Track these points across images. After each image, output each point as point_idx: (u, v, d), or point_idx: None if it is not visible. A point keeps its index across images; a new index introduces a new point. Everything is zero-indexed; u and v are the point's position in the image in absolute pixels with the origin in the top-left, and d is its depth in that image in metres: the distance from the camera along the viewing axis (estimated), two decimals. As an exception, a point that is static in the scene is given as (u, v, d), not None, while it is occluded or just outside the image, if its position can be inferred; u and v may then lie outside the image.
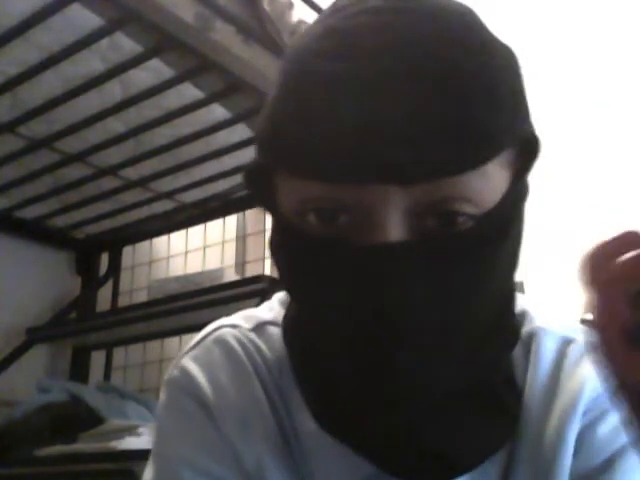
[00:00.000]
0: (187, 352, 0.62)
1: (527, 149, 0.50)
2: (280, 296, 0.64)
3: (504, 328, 0.53)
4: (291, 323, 0.58)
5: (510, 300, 0.54)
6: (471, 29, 0.48)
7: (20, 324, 2.03)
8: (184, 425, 0.58)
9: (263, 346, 0.60)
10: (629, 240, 0.37)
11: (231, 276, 1.91)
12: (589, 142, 1.88)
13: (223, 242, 2.27)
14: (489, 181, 0.46)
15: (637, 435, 0.38)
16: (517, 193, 0.50)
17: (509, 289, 0.54)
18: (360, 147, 0.43)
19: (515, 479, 0.53)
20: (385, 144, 0.43)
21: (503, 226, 0.48)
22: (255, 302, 0.70)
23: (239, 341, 0.60)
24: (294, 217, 0.48)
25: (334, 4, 0.51)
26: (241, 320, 0.62)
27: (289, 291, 0.54)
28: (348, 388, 0.49)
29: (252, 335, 0.60)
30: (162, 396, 0.62)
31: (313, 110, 0.45)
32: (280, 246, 0.51)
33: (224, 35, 1.35)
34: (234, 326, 0.61)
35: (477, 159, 0.44)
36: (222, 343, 0.60)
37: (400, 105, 0.43)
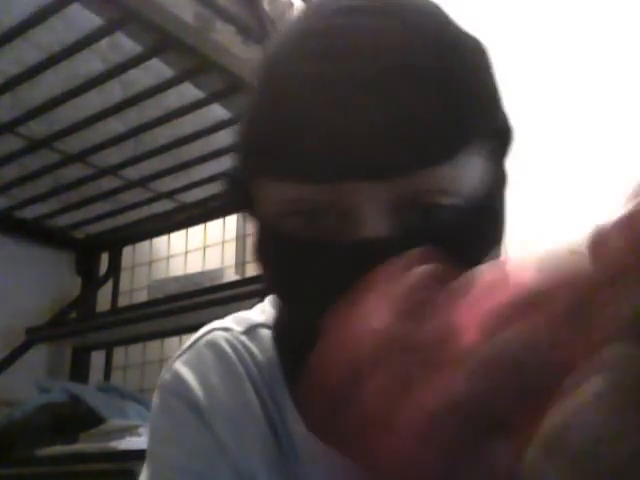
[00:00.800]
0: (179, 356, 0.61)
1: (502, 138, 0.51)
2: (272, 298, 0.63)
3: None
4: (280, 325, 0.58)
5: None
6: (442, 25, 0.49)
7: (20, 324, 2.03)
8: (177, 429, 0.58)
9: (255, 349, 0.59)
10: None
11: (231, 276, 1.91)
12: (584, 141, 1.88)
13: (223, 242, 2.27)
14: (465, 171, 0.47)
15: None
16: (495, 182, 0.51)
17: None
18: (337, 147, 0.44)
19: None
20: (361, 142, 0.44)
21: (482, 214, 0.49)
22: (255, 302, 0.69)
23: (231, 344, 0.59)
24: (276, 221, 0.49)
25: (308, 7, 0.51)
26: (233, 323, 0.62)
27: (277, 294, 0.54)
28: None
29: (244, 338, 0.60)
30: (155, 400, 0.61)
31: (288, 113, 0.46)
32: (264, 251, 0.52)
33: (224, 35, 1.36)
34: (226, 329, 0.61)
35: (449, 150, 0.45)
36: (214, 346, 0.59)
37: (373, 104, 0.44)
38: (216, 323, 0.62)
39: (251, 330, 0.61)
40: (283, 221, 0.48)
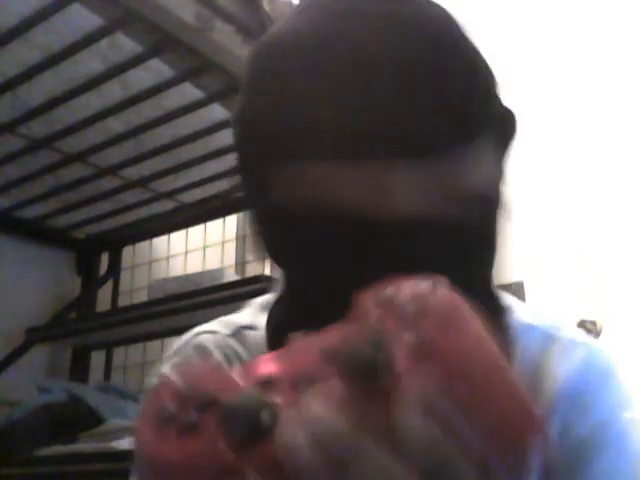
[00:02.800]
0: (166, 360, 0.61)
1: (506, 128, 0.53)
2: (259, 301, 0.64)
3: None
4: (285, 319, 0.57)
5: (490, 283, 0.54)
6: (451, 22, 0.51)
7: (20, 324, 2.03)
8: None
9: (242, 351, 0.59)
10: None
11: (231, 276, 1.91)
12: (591, 141, 1.88)
13: (223, 242, 2.27)
14: (479, 163, 0.49)
15: None
16: (501, 175, 0.53)
17: (490, 274, 0.53)
18: (372, 125, 0.44)
19: None
20: (393, 122, 0.45)
21: (491, 207, 0.50)
22: (255, 302, 0.70)
23: (218, 347, 0.59)
24: (301, 202, 0.47)
25: None
26: (219, 326, 0.62)
27: (293, 280, 0.53)
28: None
29: (230, 341, 0.60)
30: (143, 405, 0.61)
31: (320, 93, 0.46)
32: (287, 234, 0.50)
33: (224, 35, 1.35)
34: (212, 332, 0.61)
35: (470, 131, 0.47)
36: (201, 349, 0.60)
37: (402, 87, 0.46)
38: (202, 326, 0.62)
39: (237, 332, 0.61)
40: (310, 202, 0.47)
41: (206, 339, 0.61)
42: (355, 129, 0.44)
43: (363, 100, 0.45)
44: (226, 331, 0.62)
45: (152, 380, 0.60)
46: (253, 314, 0.62)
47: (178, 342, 0.63)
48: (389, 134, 0.44)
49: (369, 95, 0.45)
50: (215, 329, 0.62)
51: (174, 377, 0.42)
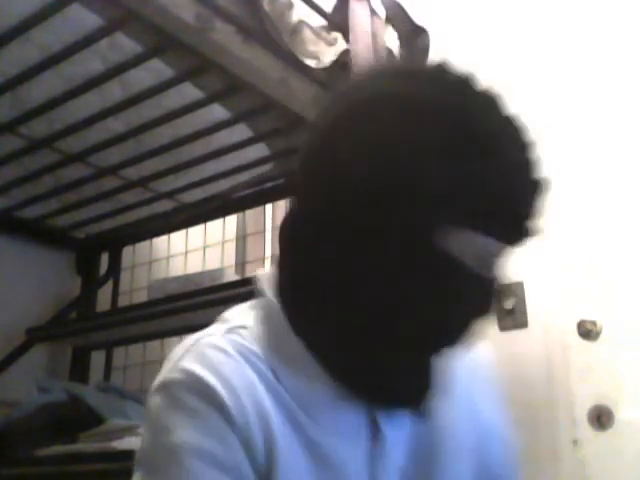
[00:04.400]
0: (180, 359, 0.64)
1: None
2: (248, 304, 0.71)
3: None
4: (321, 316, 0.65)
5: None
6: None
7: (20, 324, 2.03)
8: (195, 420, 0.59)
9: (245, 343, 0.65)
10: None
11: (231, 276, 1.91)
12: (582, 147, 1.88)
13: (223, 242, 2.27)
14: None
15: None
16: None
17: None
18: (528, 218, 0.63)
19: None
20: (529, 216, 0.63)
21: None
22: (255, 302, 0.72)
23: (225, 340, 0.65)
24: (466, 261, 0.61)
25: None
26: (214, 330, 0.67)
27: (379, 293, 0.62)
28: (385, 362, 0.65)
29: (233, 335, 0.66)
30: (158, 400, 0.62)
31: (502, 192, 0.60)
32: (449, 281, 0.62)
33: (224, 35, 1.35)
34: (212, 334, 0.66)
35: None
36: (213, 345, 0.64)
37: (540, 189, 0.65)
38: (200, 333, 0.67)
39: (233, 330, 0.67)
40: (472, 262, 0.61)
41: (211, 338, 0.65)
42: (530, 222, 0.63)
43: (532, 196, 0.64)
44: (223, 330, 0.67)
45: (173, 375, 0.62)
46: (245, 313, 0.69)
47: (183, 346, 0.66)
48: (535, 220, 0.64)
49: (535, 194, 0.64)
50: (213, 332, 0.67)
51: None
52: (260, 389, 0.62)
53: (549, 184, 0.64)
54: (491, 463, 0.75)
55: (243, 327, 0.67)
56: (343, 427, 0.65)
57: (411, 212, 0.59)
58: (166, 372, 0.64)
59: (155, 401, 0.62)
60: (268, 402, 0.62)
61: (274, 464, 0.60)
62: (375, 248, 0.60)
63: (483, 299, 0.63)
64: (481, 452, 0.74)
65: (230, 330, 0.67)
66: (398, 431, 0.67)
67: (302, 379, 0.64)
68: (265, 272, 0.72)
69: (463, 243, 0.60)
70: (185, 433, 0.58)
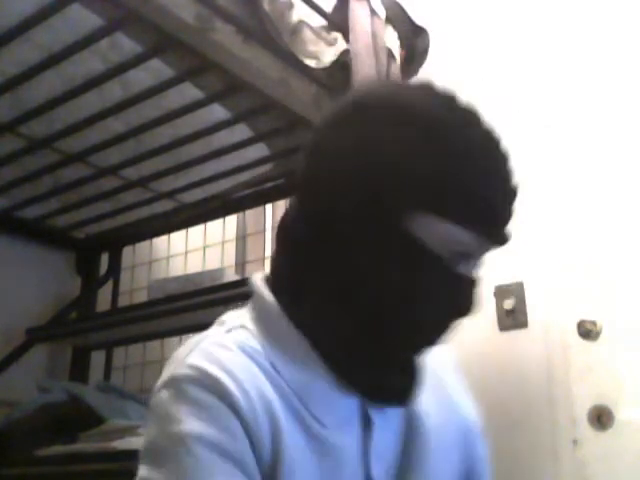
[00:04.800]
0: (186, 358, 0.66)
1: None
2: (244, 308, 0.74)
3: None
4: (323, 314, 0.69)
5: None
6: None
7: (20, 324, 2.03)
8: (203, 412, 0.61)
9: (245, 340, 0.69)
10: None
11: (231, 276, 1.91)
12: (581, 147, 1.88)
13: (223, 242, 2.27)
14: None
15: None
16: None
17: None
18: (501, 211, 0.67)
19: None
20: (503, 211, 0.67)
21: None
22: (255, 302, 0.73)
23: (227, 339, 0.68)
24: (435, 249, 0.65)
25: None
26: (215, 331, 0.71)
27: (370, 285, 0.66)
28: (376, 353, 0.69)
29: (233, 334, 0.69)
30: (165, 394, 0.64)
31: (469, 176, 0.64)
32: (403, 262, 0.65)
33: (224, 35, 1.35)
34: (213, 335, 0.70)
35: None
36: (216, 343, 0.67)
37: (510, 180, 0.67)
38: (200, 335, 0.70)
39: (233, 330, 0.70)
40: (437, 250, 0.65)
41: (212, 337, 0.69)
42: (498, 215, 0.67)
43: (499, 188, 0.66)
44: (223, 330, 0.70)
45: (181, 370, 0.64)
46: (242, 316, 0.72)
47: (189, 343, 0.69)
48: (505, 217, 0.67)
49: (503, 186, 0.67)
50: (213, 332, 0.70)
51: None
52: (263, 381, 0.65)
53: (516, 182, 0.68)
54: (475, 455, 0.80)
55: (242, 327, 0.70)
56: (338, 416, 0.68)
57: (387, 197, 0.64)
58: (172, 369, 0.66)
59: (162, 396, 0.64)
60: (271, 393, 0.65)
61: (280, 453, 0.63)
62: (359, 242, 0.65)
63: (461, 299, 0.67)
64: (465, 444, 0.79)
65: (230, 330, 0.70)
66: (387, 421, 0.72)
67: (301, 372, 0.68)
68: (259, 274, 0.75)
69: (429, 227, 0.64)
70: (193, 423, 0.60)
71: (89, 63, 1.41)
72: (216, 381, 0.62)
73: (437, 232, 0.64)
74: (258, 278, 0.74)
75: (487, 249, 0.68)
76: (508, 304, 1.85)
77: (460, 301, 0.67)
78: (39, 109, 1.55)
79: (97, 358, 2.20)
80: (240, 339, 0.68)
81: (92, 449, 1.53)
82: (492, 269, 1.82)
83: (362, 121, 0.66)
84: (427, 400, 0.75)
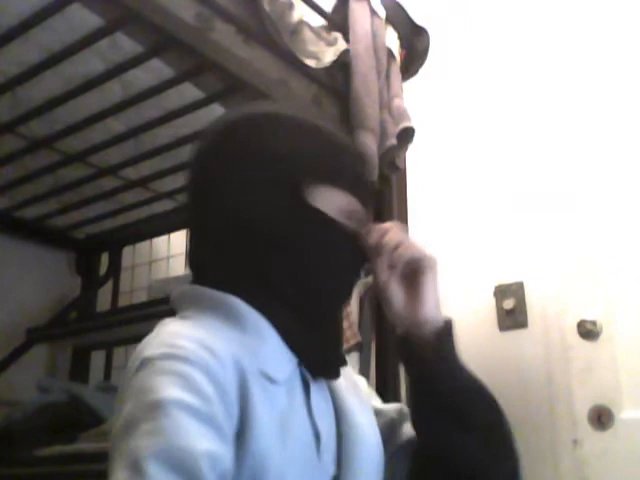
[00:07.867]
0: (153, 340, 0.71)
1: None
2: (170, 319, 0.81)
3: None
4: (277, 298, 0.78)
5: None
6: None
7: (20, 324, 2.03)
8: (179, 380, 0.62)
9: (199, 322, 0.76)
10: None
11: (231, 276, 1.90)
12: (581, 147, 1.88)
13: (223, 242, 2.26)
14: None
15: None
16: None
17: None
18: (364, 182, 0.89)
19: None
20: (366, 179, 0.91)
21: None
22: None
23: (184, 322, 0.78)
24: (331, 213, 0.80)
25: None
26: (166, 323, 0.80)
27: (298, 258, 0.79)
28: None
29: (186, 320, 0.79)
30: (140, 373, 0.65)
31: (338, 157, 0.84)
32: (311, 230, 0.80)
33: (224, 35, 1.35)
34: (168, 322, 0.79)
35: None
36: (177, 325, 0.77)
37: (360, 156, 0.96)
38: (155, 328, 0.76)
39: (183, 317, 0.81)
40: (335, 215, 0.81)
41: (176, 322, 0.78)
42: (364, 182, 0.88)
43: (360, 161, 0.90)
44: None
45: (160, 350, 0.66)
46: (180, 323, 0.79)
47: (152, 334, 0.73)
48: (368, 187, 0.88)
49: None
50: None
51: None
52: (231, 348, 0.69)
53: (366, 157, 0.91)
54: (387, 416, 0.90)
55: (187, 317, 0.79)
56: (286, 375, 0.75)
57: (290, 179, 0.79)
58: (141, 354, 0.67)
59: (137, 375, 0.65)
60: (241, 358, 0.69)
61: (249, 418, 0.66)
62: (275, 219, 0.78)
63: (358, 250, 0.82)
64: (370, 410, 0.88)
65: (183, 317, 0.79)
66: (319, 390, 0.80)
67: (255, 339, 0.75)
68: (181, 288, 0.87)
69: (323, 195, 0.80)
70: (169, 390, 0.61)
71: (89, 63, 1.41)
72: (187, 350, 0.65)
73: (328, 196, 0.80)
74: (179, 290, 0.87)
75: (366, 208, 0.84)
76: (508, 304, 1.85)
77: (358, 252, 0.82)
78: (39, 109, 1.55)
79: (97, 358, 2.20)
80: (197, 322, 0.75)
81: (92, 449, 1.53)
82: (492, 269, 1.84)
83: (253, 129, 0.82)
84: (347, 390, 0.85)
